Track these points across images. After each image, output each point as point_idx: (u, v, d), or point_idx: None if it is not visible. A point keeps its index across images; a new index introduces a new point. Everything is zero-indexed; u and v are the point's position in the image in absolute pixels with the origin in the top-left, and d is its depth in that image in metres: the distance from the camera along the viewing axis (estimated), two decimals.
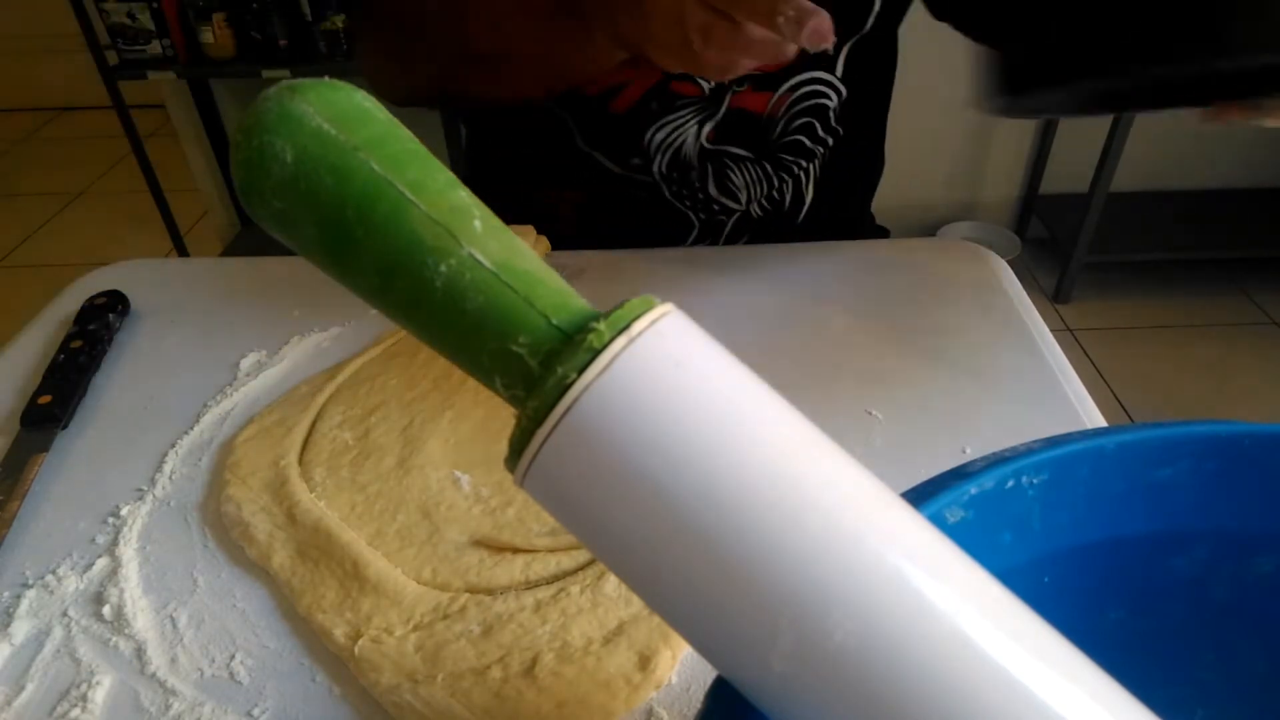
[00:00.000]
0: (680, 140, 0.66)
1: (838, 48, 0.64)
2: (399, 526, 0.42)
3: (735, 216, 0.71)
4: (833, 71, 0.65)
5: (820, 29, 0.39)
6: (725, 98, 0.65)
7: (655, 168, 0.68)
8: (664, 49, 0.45)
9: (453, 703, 0.34)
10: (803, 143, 0.68)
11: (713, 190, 0.69)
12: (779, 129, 0.67)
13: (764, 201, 0.70)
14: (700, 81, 0.64)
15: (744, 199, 0.70)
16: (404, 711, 0.34)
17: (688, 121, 0.65)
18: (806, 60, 0.64)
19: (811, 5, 0.39)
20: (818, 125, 0.68)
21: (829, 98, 0.66)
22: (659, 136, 0.66)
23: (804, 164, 0.69)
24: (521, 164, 0.72)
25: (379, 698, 0.35)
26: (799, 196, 0.71)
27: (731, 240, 0.71)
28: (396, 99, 0.61)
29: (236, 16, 1.77)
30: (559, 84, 0.59)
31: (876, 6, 0.62)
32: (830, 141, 0.69)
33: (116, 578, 0.41)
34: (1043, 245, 2.20)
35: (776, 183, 0.69)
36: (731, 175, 0.69)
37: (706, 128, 0.66)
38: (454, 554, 0.41)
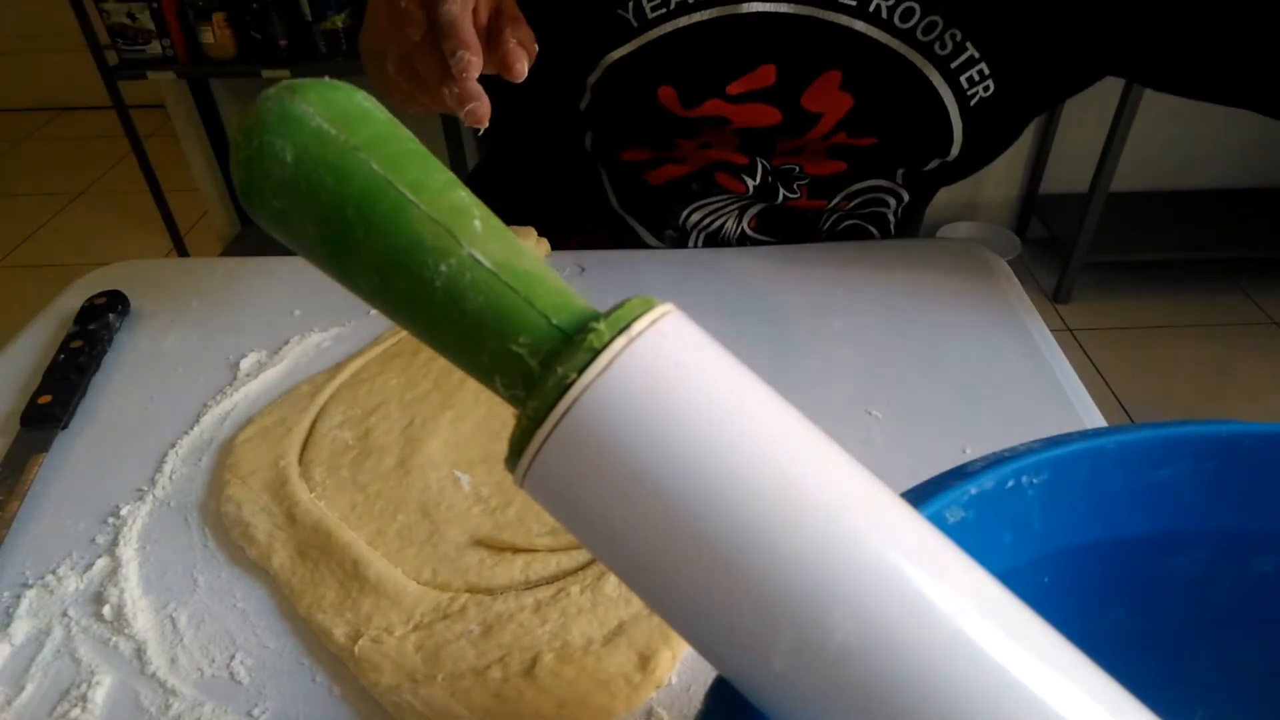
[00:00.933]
0: (720, 224, 0.64)
1: (913, 166, 0.60)
2: (399, 526, 0.42)
3: None
4: (893, 180, 0.62)
5: (476, 113, 0.41)
6: (778, 198, 0.62)
7: (690, 243, 0.65)
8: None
9: (452, 703, 0.34)
10: (850, 237, 0.66)
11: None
12: (828, 227, 0.65)
13: None
14: (747, 179, 0.61)
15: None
16: (404, 711, 0.34)
17: (730, 206, 0.63)
18: (870, 171, 0.61)
19: (476, 90, 0.40)
20: (871, 227, 0.65)
21: (888, 205, 0.64)
22: (695, 217, 0.63)
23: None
24: (547, 216, 0.66)
25: (379, 697, 0.35)
26: None
27: None
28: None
29: (236, 16, 1.77)
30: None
31: (958, 137, 0.57)
32: (879, 234, 0.67)
33: (116, 578, 0.41)
34: (1043, 245, 2.19)
35: None
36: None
37: (749, 214, 0.63)
38: (454, 554, 0.41)
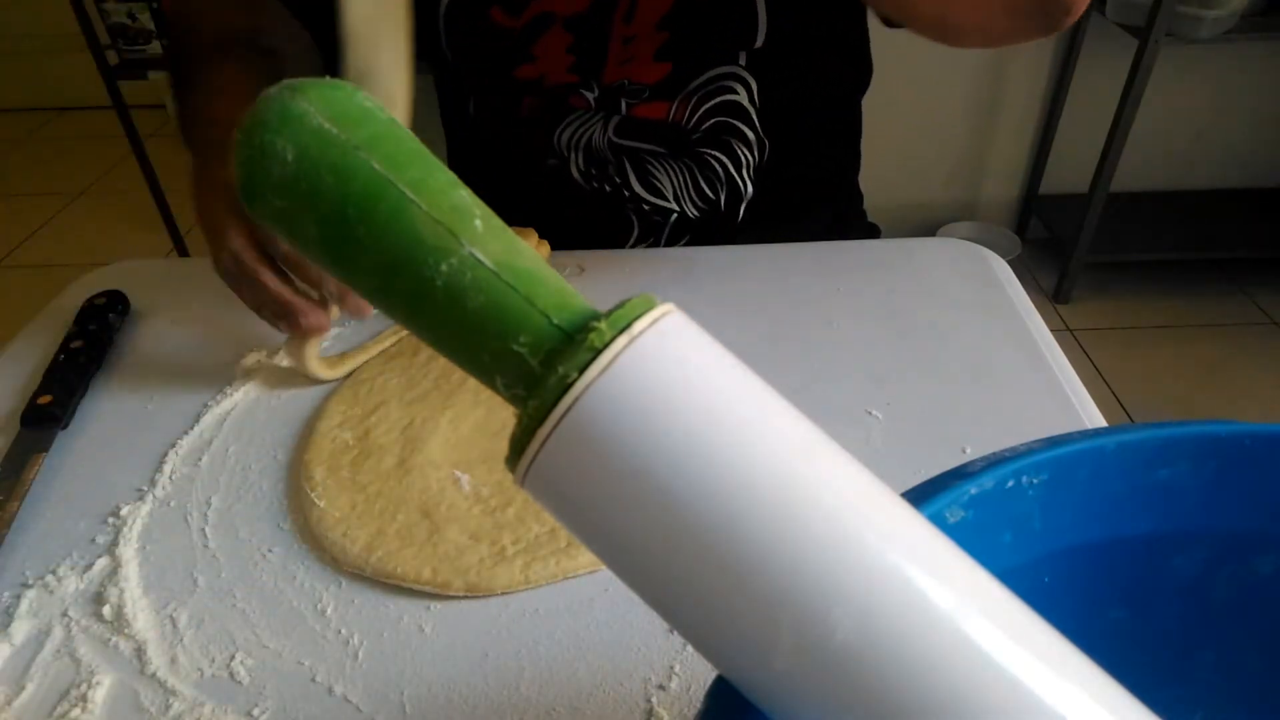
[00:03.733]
0: (588, 135, 0.67)
1: (734, 53, 0.63)
2: (399, 526, 0.42)
3: (673, 217, 0.69)
4: (736, 64, 0.64)
5: (358, 305, 0.50)
6: (619, 107, 0.65)
7: (573, 165, 0.68)
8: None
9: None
10: (724, 139, 0.67)
11: (638, 188, 0.68)
12: (688, 131, 0.66)
13: (695, 199, 0.69)
14: (586, 93, 0.65)
15: (671, 196, 0.69)
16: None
17: (593, 118, 0.66)
18: (703, 61, 0.64)
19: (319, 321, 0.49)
20: (738, 122, 0.66)
21: (737, 92, 0.65)
22: (567, 134, 0.67)
23: (732, 159, 0.68)
24: (484, 172, 0.72)
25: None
26: (735, 192, 0.69)
27: (672, 242, 0.71)
28: None
29: None
30: None
31: (762, 31, 0.62)
32: (758, 135, 0.67)
33: (116, 578, 0.41)
34: (1043, 245, 2.20)
35: (705, 180, 0.68)
36: (654, 172, 0.68)
37: (611, 124, 0.66)
38: (454, 554, 0.41)
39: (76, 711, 0.35)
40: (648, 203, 0.69)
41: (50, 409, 0.49)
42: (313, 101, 0.19)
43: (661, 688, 0.36)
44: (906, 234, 0.72)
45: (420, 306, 0.19)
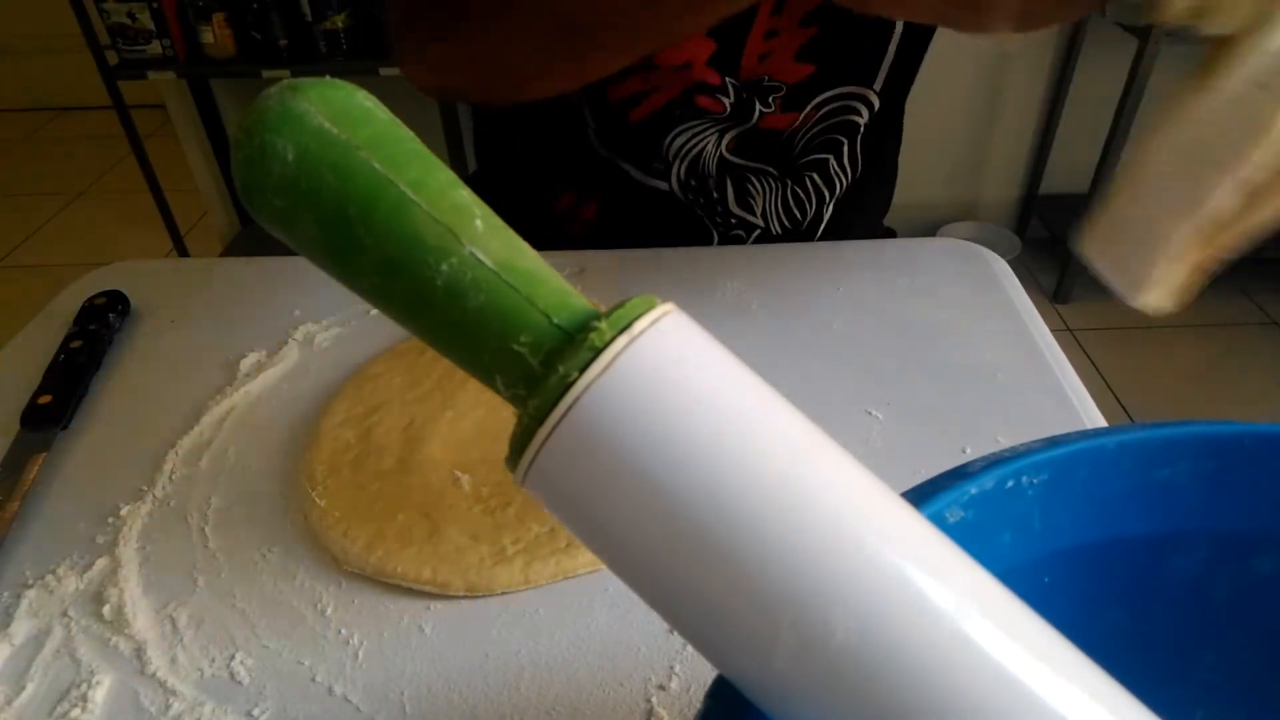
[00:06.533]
0: (700, 148, 0.65)
1: (874, 63, 0.62)
2: (399, 526, 0.42)
3: (755, 234, 0.69)
4: (871, 85, 0.63)
5: None
6: (754, 115, 0.63)
7: (674, 174, 0.67)
8: None
9: None
10: (828, 163, 0.67)
11: (732, 204, 0.68)
12: (800, 146, 0.66)
13: (783, 218, 0.69)
14: (722, 98, 0.62)
15: (760, 212, 0.68)
16: None
17: (709, 130, 0.64)
18: (844, 69, 0.63)
19: None
20: (845, 145, 0.66)
21: (860, 114, 0.65)
22: (678, 142, 0.65)
23: (826, 182, 0.68)
24: (536, 168, 0.71)
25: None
26: (818, 215, 0.70)
27: None
28: (437, 89, 0.57)
29: (236, 16, 1.77)
30: (653, 47, 0.50)
31: (899, 28, 0.61)
32: (858, 164, 0.67)
33: (116, 578, 0.41)
34: (1043, 245, 2.20)
35: (795, 200, 0.68)
36: (751, 189, 0.67)
37: (728, 137, 0.65)
38: (454, 554, 0.41)
39: (76, 711, 0.35)
40: (736, 216, 0.69)
41: (50, 409, 0.49)
42: (313, 101, 0.19)
43: (661, 688, 0.36)
44: (906, 234, 0.72)
45: (420, 306, 0.19)
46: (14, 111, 3.03)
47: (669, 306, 0.19)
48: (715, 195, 0.68)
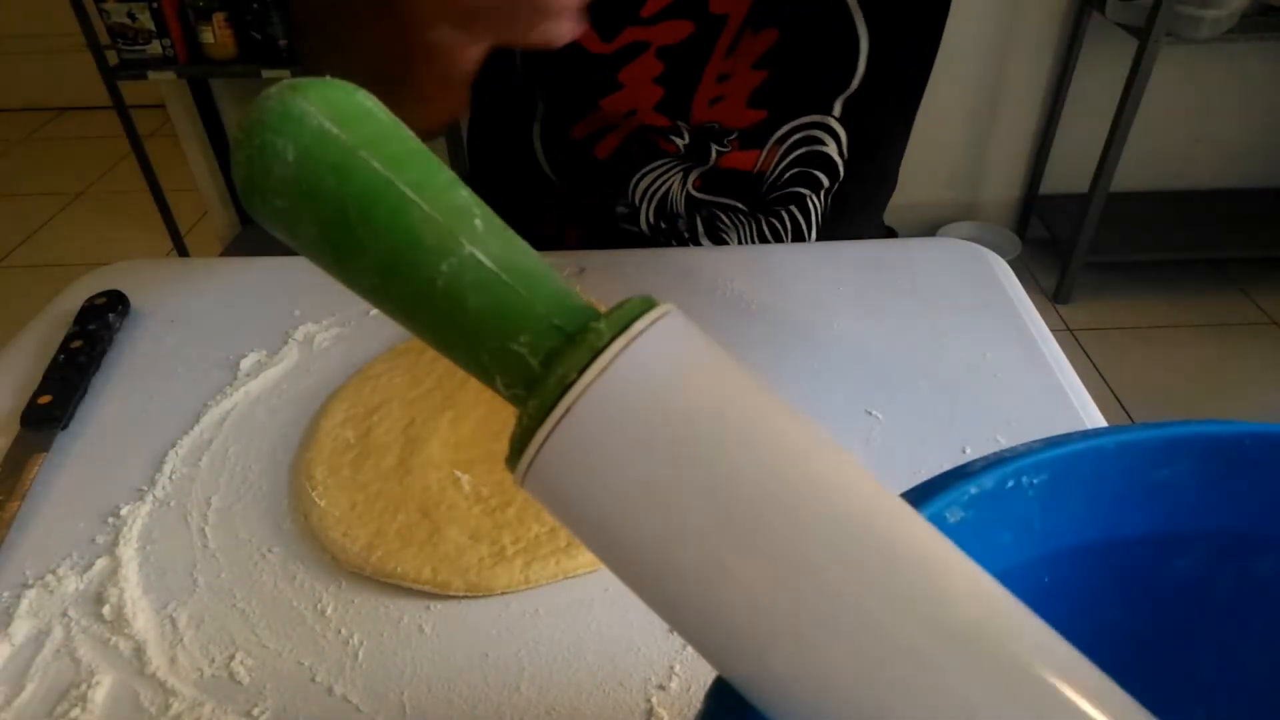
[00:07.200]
0: (666, 187, 0.65)
1: (830, 98, 0.62)
2: (399, 526, 0.42)
3: None
4: (829, 113, 0.63)
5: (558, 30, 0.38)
6: (709, 155, 0.63)
7: (643, 217, 0.66)
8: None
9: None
10: (801, 193, 0.66)
11: (703, 240, 0.67)
12: (770, 182, 0.65)
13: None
14: (676, 140, 0.62)
15: (735, 243, 0.68)
16: None
17: (673, 169, 0.64)
18: (797, 107, 0.62)
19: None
20: (818, 173, 0.65)
21: (825, 143, 0.64)
22: (644, 182, 0.65)
23: (803, 211, 0.67)
24: (524, 197, 0.70)
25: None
26: (800, 237, 0.69)
27: None
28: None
29: (236, 16, 1.77)
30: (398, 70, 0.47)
31: (861, 68, 0.60)
32: (834, 183, 0.66)
33: (116, 578, 0.41)
34: (1043, 245, 2.20)
35: (771, 232, 0.67)
36: (722, 225, 0.67)
37: (693, 176, 0.64)
38: (454, 554, 0.41)
39: (76, 711, 0.35)
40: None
41: (50, 409, 0.49)
42: (313, 101, 0.19)
43: (661, 688, 0.36)
44: (906, 234, 0.72)
45: (420, 306, 0.19)
46: (14, 111, 3.03)
47: (669, 307, 0.19)
48: (686, 235, 0.67)
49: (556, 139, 0.65)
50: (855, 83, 0.61)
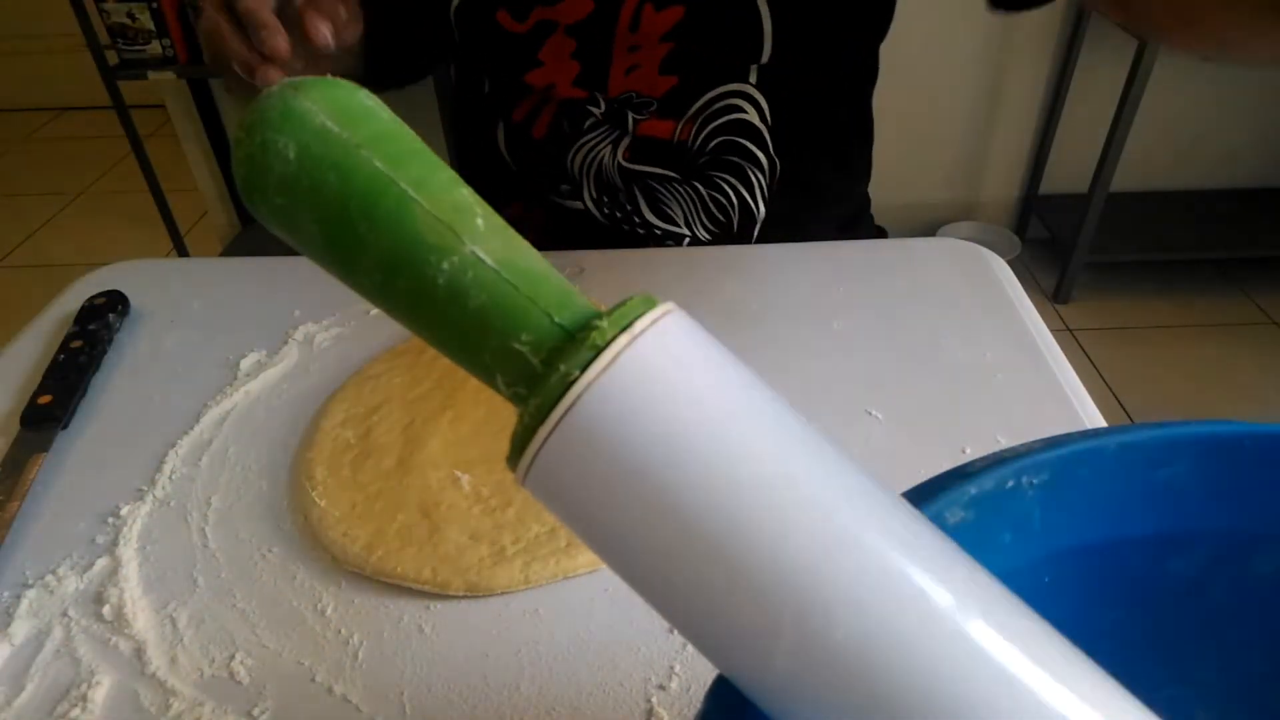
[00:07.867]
0: (598, 158, 0.66)
1: (743, 66, 0.63)
2: (399, 526, 0.42)
3: (685, 242, 0.69)
4: (745, 80, 0.64)
5: (271, 74, 0.45)
6: (628, 123, 0.65)
7: (585, 192, 0.68)
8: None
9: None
10: (734, 161, 0.66)
11: (648, 215, 0.68)
12: (695, 149, 0.66)
13: (708, 224, 0.69)
14: (593, 109, 0.65)
15: (683, 222, 0.68)
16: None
17: (601, 141, 0.66)
18: (711, 76, 0.63)
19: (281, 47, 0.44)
20: (748, 142, 0.66)
21: (746, 111, 0.64)
22: (579, 158, 0.67)
23: (744, 182, 0.67)
24: (493, 181, 0.72)
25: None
26: (749, 215, 0.68)
27: None
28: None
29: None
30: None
31: (768, 45, 0.61)
32: (770, 156, 0.67)
33: (116, 578, 0.41)
34: (1043, 245, 2.20)
35: (716, 206, 0.68)
36: (664, 199, 0.67)
37: (621, 146, 0.66)
38: (454, 554, 0.41)
39: (76, 711, 0.35)
40: (659, 229, 0.69)
41: (50, 409, 0.49)
42: (315, 100, 0.19)
43: (661, 688, 0.36)
44: (906, 234, 0.72)
45: (421, 305, 0.19)
46: (14, 111, 3.03)
47: (670, 306, 0.19)
48: (629, 207, 0.68)
49: (507, 127, 0.69)
50: (765, 56, 0.62)
